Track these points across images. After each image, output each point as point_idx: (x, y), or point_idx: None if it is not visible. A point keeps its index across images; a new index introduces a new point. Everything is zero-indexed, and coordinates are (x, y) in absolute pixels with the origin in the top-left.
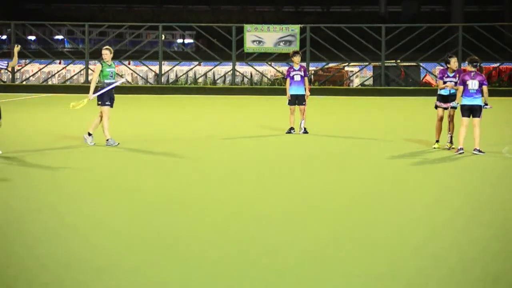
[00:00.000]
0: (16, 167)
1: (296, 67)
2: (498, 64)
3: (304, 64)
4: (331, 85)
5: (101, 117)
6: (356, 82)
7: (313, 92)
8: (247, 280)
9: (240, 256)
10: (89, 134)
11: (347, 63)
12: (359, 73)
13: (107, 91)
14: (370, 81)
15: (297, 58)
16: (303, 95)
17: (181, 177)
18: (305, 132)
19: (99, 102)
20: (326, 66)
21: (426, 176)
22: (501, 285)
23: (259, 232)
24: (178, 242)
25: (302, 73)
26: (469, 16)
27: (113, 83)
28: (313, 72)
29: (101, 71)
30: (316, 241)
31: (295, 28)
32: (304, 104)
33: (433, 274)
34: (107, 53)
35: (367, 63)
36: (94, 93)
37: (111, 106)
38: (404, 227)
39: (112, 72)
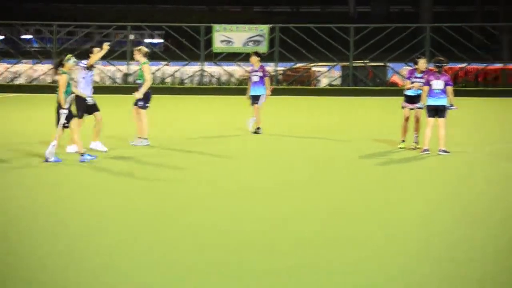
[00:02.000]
0: (12, 169)
1: (256, 67)
2: (465, 65)
3: (266, 64)
4: (298, 85)
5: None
6: (324, 82)
7: (283, 92)
8: (246, 280)
9: (238, 257)
10: (144, 138)
11: (314, 63)
12: (327, 73)
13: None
14: (338, 81)
15: (253, 59)
16: (259, 96)
17: (177, 179)
18: (257, 132)
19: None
20: (294, 66)
21: (394, 175)
22: (500, 285)
23: (257, 232)
24: (178, 242)
25: (261, 74)
26: (438, 16)
27: (141, 84)
28: (282, 72)
29: None
30: (301, 241)
31: (264, 28)
32: (257, 103)
33: (432, 274)
34: (135, 54)
35: (335, 63)
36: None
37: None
38: (403, 226)
39: (137, 73)
